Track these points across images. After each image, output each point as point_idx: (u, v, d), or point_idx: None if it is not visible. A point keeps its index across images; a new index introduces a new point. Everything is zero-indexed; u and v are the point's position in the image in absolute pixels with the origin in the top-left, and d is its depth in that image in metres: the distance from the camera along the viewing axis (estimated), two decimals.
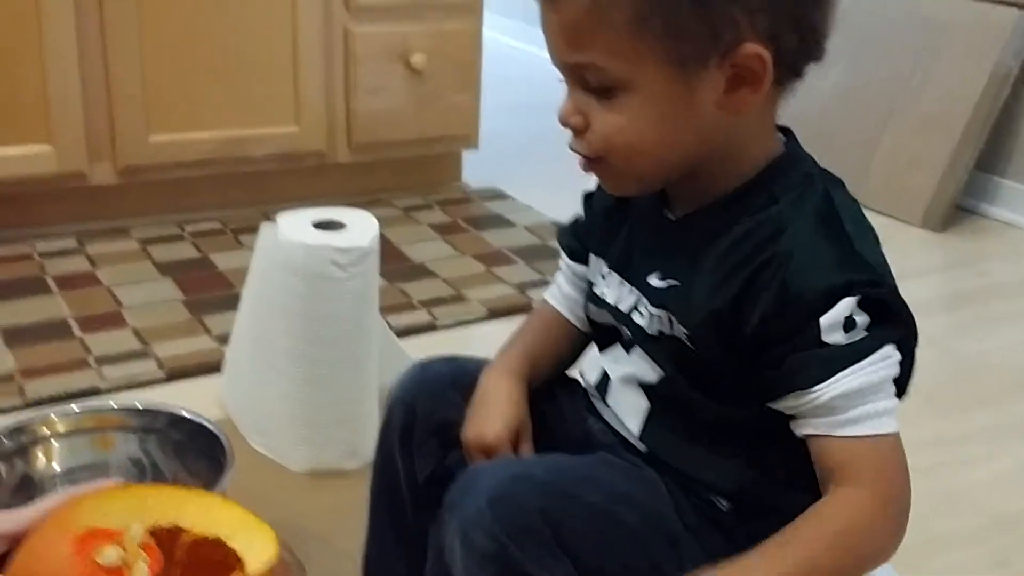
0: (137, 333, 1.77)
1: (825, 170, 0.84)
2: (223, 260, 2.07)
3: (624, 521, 0.80)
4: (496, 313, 1.90)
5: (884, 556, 0.76)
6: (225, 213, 2.27)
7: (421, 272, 2.06)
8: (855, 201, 0.83)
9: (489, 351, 1.53)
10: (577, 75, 0.78)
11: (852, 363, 0.75)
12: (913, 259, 2.33)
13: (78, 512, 0.86)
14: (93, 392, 1.59)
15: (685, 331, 0.81)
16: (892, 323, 0.77)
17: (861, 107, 2.68)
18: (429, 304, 1.92)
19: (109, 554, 0.79)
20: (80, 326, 1.78)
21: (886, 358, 0.76)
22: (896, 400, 0.78)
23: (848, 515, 0.75)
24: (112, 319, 1.81)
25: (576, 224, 0.96)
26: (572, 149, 0.81)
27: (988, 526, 1.42)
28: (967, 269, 2.30)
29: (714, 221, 0.81)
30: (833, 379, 0.75)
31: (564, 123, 0.80)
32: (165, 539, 0.89)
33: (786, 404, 0.78)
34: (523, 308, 1.91)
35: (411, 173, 2.46)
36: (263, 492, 1.29)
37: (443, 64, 2.32)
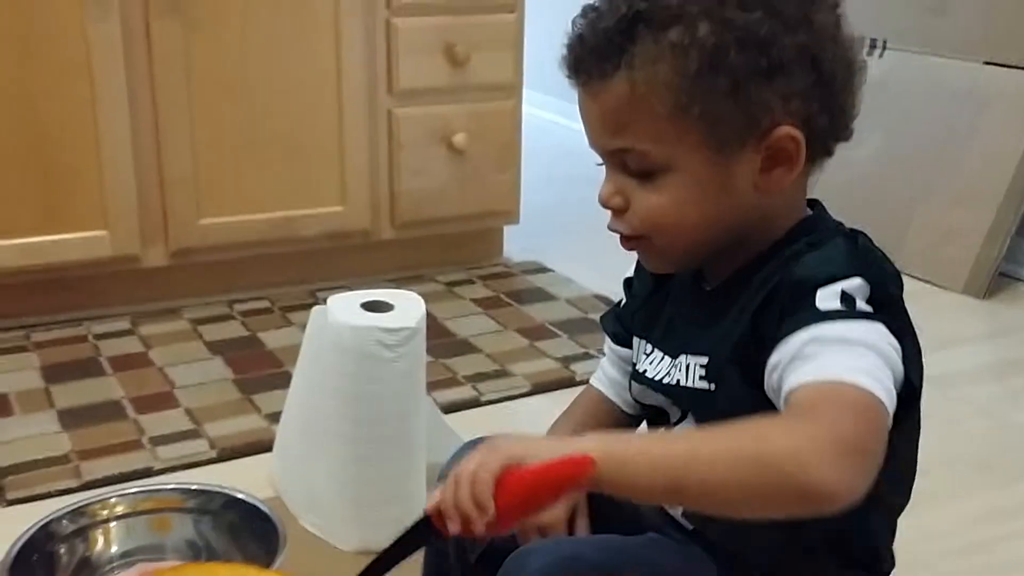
0: (189, 413, 1.81)
1: (853, 229, 0.86)
2: (272, 339, 2.11)
3: None
4: (540, 388, 1.92)
5: (813, 498, 0.66)
6: (273, 292, 2.33)
7: (465, 347, 2.09)
8: (883, 254, 0.84)
9: (534, 426, 1.55)
10: (617, 159, 0.81)
11: (838, 319, 0.74)
12: (957, 326, 2.32)
13: None
14: (147, 472, 1.62)
15: (715, 385, 0.82)
16: (894, 316, 0.76)
17: (897, 178, 2.69)
18: (473, 379, 1.94)
19: None
20: (134, 407, 1.83)
21: (878, 331, 0.73)
22: (886, 378, 0.72)
23: (776, 435, 0.68)
24: (165, 399, 1.85)
25: (618, 308, 0.98)
26: (612, 229, 0.84)
27: None
28: (1013, 336, 2.28)
29: (743, 281, 0.83)
30: (815, 325, 0.73)
31: (605, 205, 0.83)
32: None
33: (772, 372, 0.75)
34: (566, 382, 1.93)
35: (454, 249, 2.50)
36: (315, 572, 1.31)
37: (484, 143, 2.37)
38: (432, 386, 1.80)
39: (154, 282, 2.22)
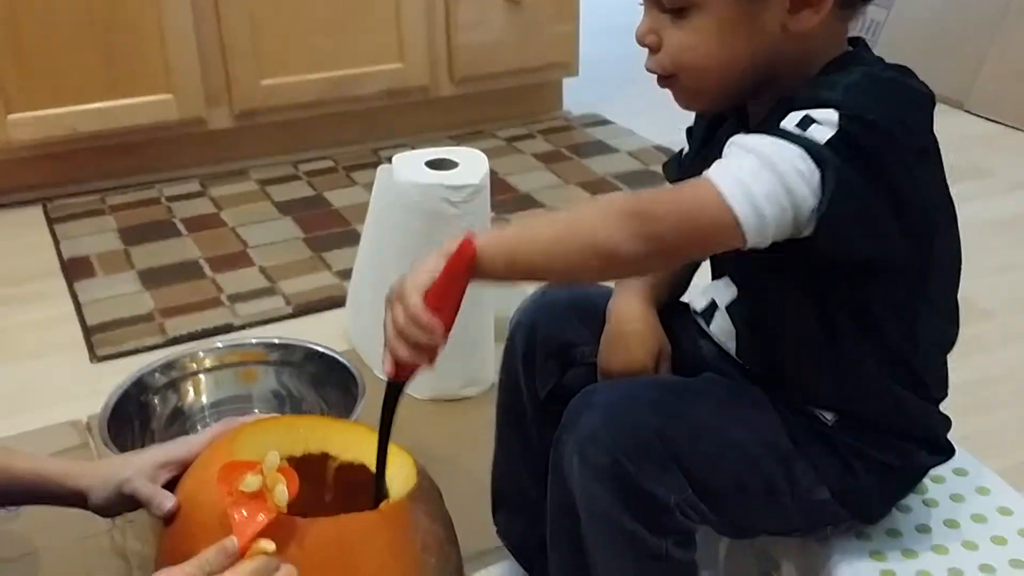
0: (263, 271, 1.87)
1: (895, 65, 0.84)
2: (337, 198, 2.16)
3: (736, 439, 0.85)
4: None
5: (603, 255, 0.77)
6: (336, 151, 2.36)
7: (527, 202, 2.11)
8: (919, 84, 0.83)
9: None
10: None
11: (768, 134, 0.76)
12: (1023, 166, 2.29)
13: (236, 442, 0.96)
14: (228, 328, 1.70)
15: None
16: (847, 162, 0.75)
17: (968, 14, 2.61)
18: None
19: (250, 482, 0.87)
20: (210, 266, 1.90)
21: (796, 157, 0.74)
22: (760, 189, 0.74)
23: (595, 213, 0.78)
24: (239, 259, 1.92)
25: (680, 155, 1.00)
26: (648, 68, 0.85)
27: None
28: None
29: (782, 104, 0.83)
30: (753, 135, 0.77)
31: (640, 42, 0.84)
32: (315, 464, 0.98)
33: None
34: None
35: (513, 103, 2.50)
36: None
37: None
38: None
39: (220, 144, 2.26)
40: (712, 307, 0.93)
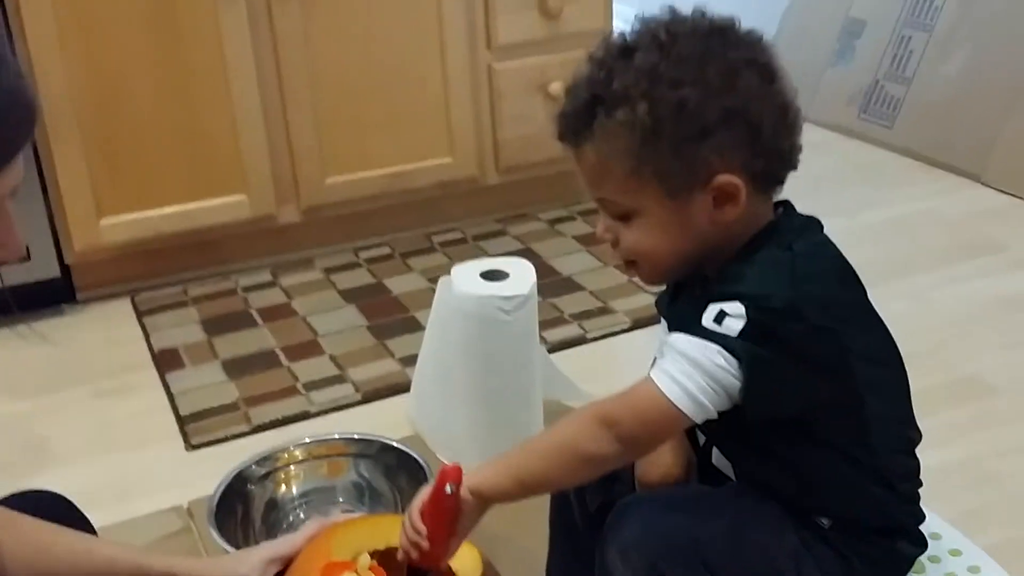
0: (333, 359, 2.07)
1: (807, 223, 1.03)
2: (396, 284, 2.36)
3: (756, 542, 1.03)
4: (640, 323, 2.13)
5: (593, 461, 0.98)
6: (393, 237, 2.56)
7: (569, 286, 2.29)
8: (826, 244, 1.02)
9: (636, 359, 1.78)
10: (601, 204, 1.02)
11: (689, 333, 0.95)
12: None
13: (331, 540, 1.15)
14: (305, 416, 1.89)
15: None
16: (759, 346, 0.93)
17: (985, 92, 2.76)
18: (578, 318, 2.16)
19: None
20: (286, 355, 2.10)
21: (716, 355, 0.93)
22: (694, 386, 0.93)
23: (574, 429, 0.98)
24: (311, 347, 2.12)
25: (663, 292, 1.17)
26: (612, 258, 1.07)
27: None
28: None
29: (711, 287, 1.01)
30: (678, 333, 0.96)
31: (600, 239, 1.04)
32: (395, 558, 1.16)
33: None
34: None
35: (553, 188, 2.68)
36: None
37: None
38: (542, 325, 2.02)
39: (288, 237, 2.48)
40: (708, 444, 1.11)
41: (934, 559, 1.21)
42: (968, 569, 1.22)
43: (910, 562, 1.09)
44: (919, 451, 1.10)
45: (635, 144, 0.95)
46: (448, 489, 1.01)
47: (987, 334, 2.05)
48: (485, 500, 1.01)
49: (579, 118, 0.98)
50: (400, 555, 1.06)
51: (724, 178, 0.96)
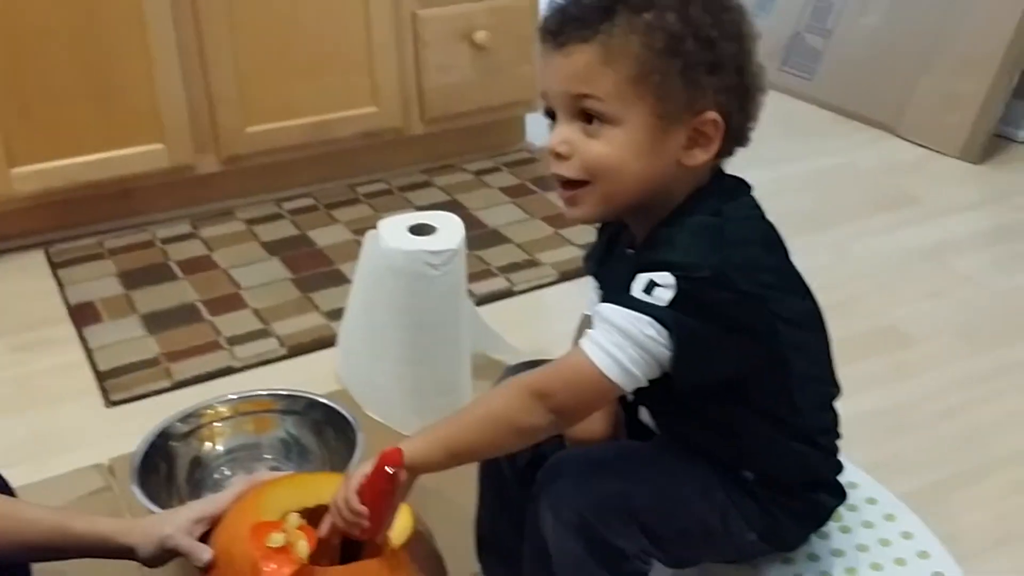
0: (257, 313, 2.04)
1: (737, 185, 1.04)
2: (320, 236, 2.32)
3: (683, 495, 1.04)
4: (567, 276, 2.14)
5: (526, 431, 0.99)
6: (316, 188, 2.53)
7: (496, 238, 2.29)
8: (753, 208, 1.03)
9: (563, 312, 1.79)
10: (575, 105, 0.97)
11: (620, 304, 0.95)
12: (951, 193, 2.48)
13: (259, 500, 1.14)
14: (228, 371, 1.87)
15: None
16: (689, 316, 0.93)
17: (900, 47, 2.81)
18: (506, 270, 2.16)
19: (276, 538, 1.08)
20: (208, 309, 2.06)
21: (647, 326, 0.93)
22: (625, 356, 0.94)
23: (506, 401, 0.99)
24: (233, 301, 2.08)
25: (592, 252, 1.16)
26: (555, 172, 1.00)
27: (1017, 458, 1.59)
28: (1005, 203, 2.43)
29: (640, 251, 1.02)
30: (608, 304, 0.96)
31: (552, 151, 0.99)
32: (324, 515, 1.16)
33: None
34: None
35: (479, 138, 2.67)
36: None
37: (504, 38, 2.51)
38: (469, 278, 2.00)
39: (208, 187, 2.42)
40: (635, 403, 1.12)
41: (851, 508, 1.25)
42: (884, 517, 1.26)
43: (830, 512, 1.13)
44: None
45: (651, 51, 0.94)
46: (390, 471, 1.00)
47: (903, 285, 2.11)
48: (416, 472, 1.01)
49: (594, 11, 0.95)
50: (327, 532, 1.06)
51: (712, 115, 0.96)
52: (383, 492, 1.01)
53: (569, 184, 0.99)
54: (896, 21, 2.84)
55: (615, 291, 0.99)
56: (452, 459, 1.01)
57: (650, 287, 0.95)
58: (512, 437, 1.00)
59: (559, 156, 0.98)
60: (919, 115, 2.73)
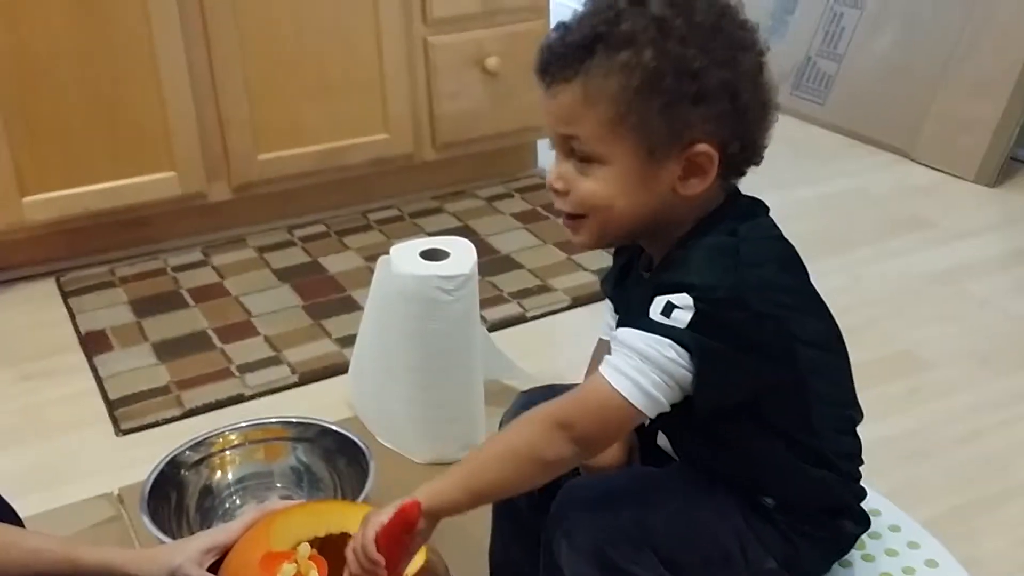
0: (268, 340, 2.03)
1: (753, 205, 1.03)
2: (332, 263, 2.32)
3: (699, 522, 1.02)
4: (579, 301, 2.12)
5: (551, 465, 0.96)
6: (328, 215, 2.52)
7: (508, 264, 2.28)
8: (771, 228, 1.02)
9: (576, 338, 1.76)
10: (566, 144, 0.98)
11: (639, 327, 0.94)
12: (966, 216, 2.46)
13: (269, 529, 1.13)
14: (239, 399, 1.85)
15: None
16: (709, 337, 0.92)
17: (912, 71, 2.80)
18: (518, 296, 2.14)
19: (287, 570, 1.07)
20: (218, 337, 2.05)
21: (667, 348, 0.92)
22: (647, 381, 0.93)
23: (519, 434, 0.97)
24: (245, 328, 2.07)
25: (608, 271, 1.16)
26: (557, 208, 1.01)
27: None
28: (1021, 226, 2.41)
29: (655, 274, 1.02)
30: (627, 328, 0.95)
31: (549, 187, 1.01)
32: (337, 543, 1.14)
33: None
34: (603, 295, 2.12)
35: (491, 164, 2.67)
36: (395, 482, 1.53)
37: (515, 64, 2.50)
38: (481, 304, 1.99)
39: (220, 215, 2.42)
40: (653, 427, 1.10)
41: (874, 535, 1.23)
42: (908, 545, 1.24)
43: (853, 540, 1.10)
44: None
45: (629, 90, 0.93)
46: (413, 524, 0.99)
47: (919, 309, 2.08)
48: (438, 516, 0.99)
49: (576, 51, 0.94)
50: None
51: (703, 147, 0.95)
52: (401, 543, 1.00)
53: (568, 216, 1.01)
54: (908, 45, 2.84)
55: (632, 315, 0.97)
56: (475, 499, 1.00)
57: (668, 309, 0.93)
58: (536, 471, 0.98)
59: (556, 191, 1.00)
60: (933, 139, 2.72)
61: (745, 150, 0.98)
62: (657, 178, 0.96)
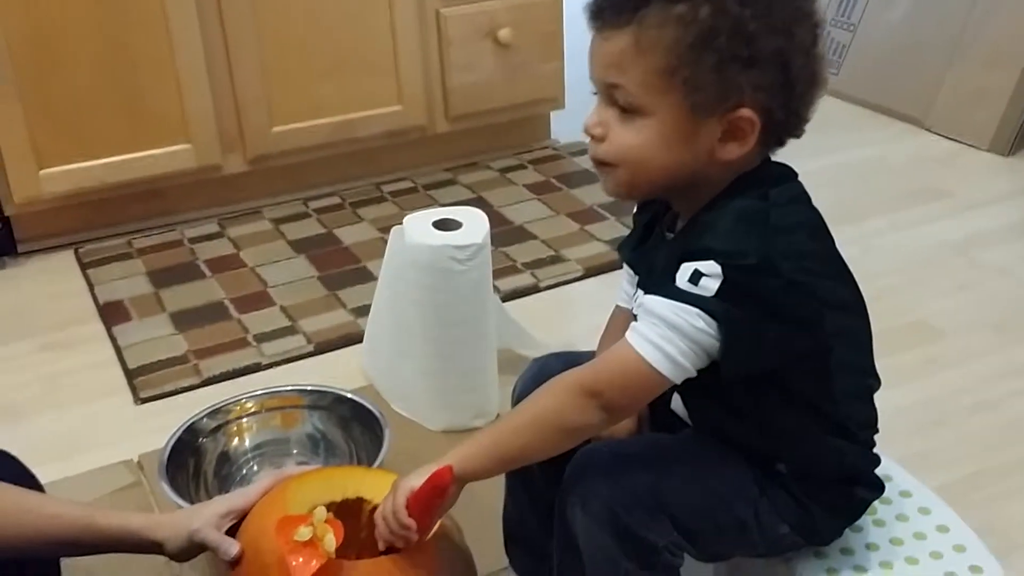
0: (284, 310, 2.05)
1: (783, 171, 1.02)
2: (346, 235, 2.33)
3: (712, 488, 1.03)
4: (592, 271, 2.13)
5: (577, 431, 0.98)
6: (342, 187, 2.53)
7: (521, 234, 2.28)
8: (801, 194, 1.02)
9: (589, 308, 1.76)
10: (609, 92, 0.97)
11: (666, 295, 0.94)
12: (981, 186, 2.45)
13: (286, 493, 1.14)
14: (256, 368, 1.87)
15: None
16: (737, 305, 0.92)
17: (926, 41, 2.78)
18: (531, 266, 2.15)
19: (303, 532, 1.07)
20: (235, 307, 2.07)
21: (695, 317, 0.92)
22: (674, 349, 0.93)
23: (556, 402, 0.97)
24: (261, 298, 2.09)
25: (628, 239, 1.15)
26: (591, 155, 1.00)
27: None
28: None
29: (681, 236, 1.01)
30: (652, 296, 0.95)
31: (587, 131, 1.00)
32: (352, 508, 1.16)
33: None
34: (616, 264, 2.11)
35: (504, 136, 2.67)
36: (409, 449, 1.55)
37: (528, 36, 2.50)
38: (495, 275, 2.00)
39: (235, 187, 2.43)
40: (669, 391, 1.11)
41: (885, 501, 1.23)
42: (919, 510, 1.24)
43: (866, 505, 1.11)
44: None
45: (683, 43, 0.92)
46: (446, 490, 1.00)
47: (934, 279, 2.08)
48: (466, 480, 1.01)
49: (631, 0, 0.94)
50: (381, 545, 1.05)
51: (747, 112, 0.94)
52: (432, 508, 1.01)
53: (600, 162, 1.00)
54: (922, 15, 2.81)
55: (655, 278, 0.97)
56: (503, 465, 1.02)
57: (696, 277, 0.93)
58: (563, 438, 0.99)
59: (593, 137, 0.99)
60: (947, 109, 2.71)
61: (788, 121, 0.97)
62: (696, 137, 0.96)
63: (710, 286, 0.92)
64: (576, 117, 2.83)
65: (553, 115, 2.74)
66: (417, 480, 1.00)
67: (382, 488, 1.17)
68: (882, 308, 1.93)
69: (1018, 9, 2.59)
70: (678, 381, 0.96)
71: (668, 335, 0.93)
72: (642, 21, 0.93)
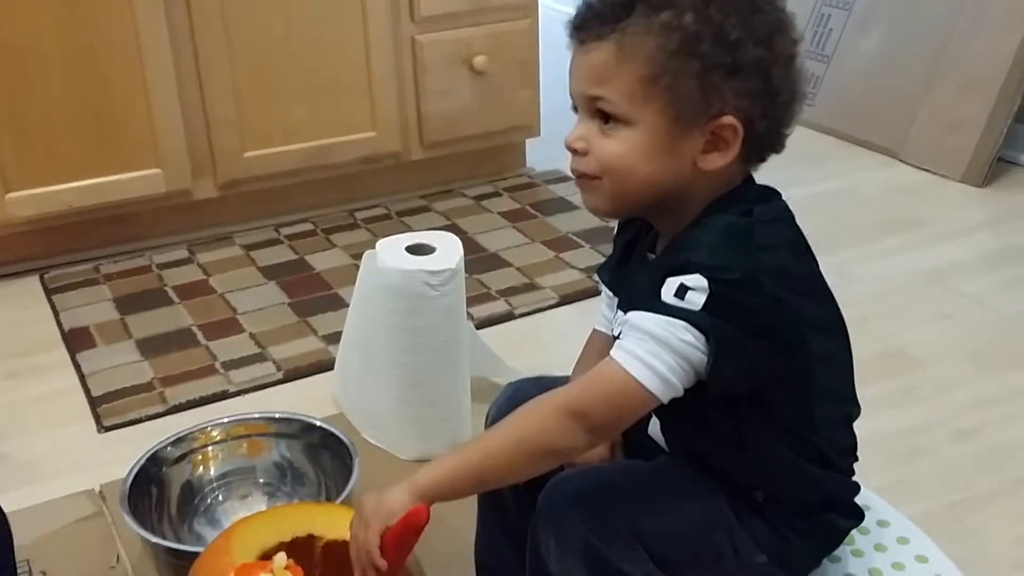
0: (253, 337, 2.01)
1: (767, 190, 1.01)
2: (318, 261, 2.30)
3: (689, 516, 1.01)
4: (567, 299, 2.11)
5: (559, 453, 0.96)
6: (315, 214, 2.50)
7: (496, 262, 2.26)
8: (785, 212, 1.00)
9: (563, 336, 1.74)
10: (592, 105, 0.97)
11: (652, 310, 0.92)
12: (955, 217, 2.46)
13: (230, 541, 1.10)
14: (223, 395, 1.83)
15: None
16: (724, 319, 0.90)
17: (900, 72, 2.79)
18: (505, 294, 2.13)
19: None
20: (203, 334, 2.03)
21: (683, 331, 0.90)
22: (663, 365, 0.91)
23: (538, 424, 0.94)
24: (230, 325, 2.05)
25: (608, 262, 1.14)
26: (572, 168, 1.00)
27: None
28: (1009, 225, 2.41)
29: (664, 255, 1.00)
30: (638, 312, 0.93)
31: (569, 146, 0.99)
32: (303, 545, 1.12)
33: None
34: (591, 292, 2.11)
35: (479, 163, 2.65)
36: (380, 478, 1.50)
37: (504, 63, 2.50)
38: (469, 301, 1.98)
39: (206, 212, 2.40)
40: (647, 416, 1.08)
41: (863, 530, 1.22)
42: (897, 540, 1.23)
43: (844, 534, 1.09)
44: None
45: (666, 51, 0.92)
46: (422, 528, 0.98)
47: (910, 309, 2.07)
48: (439, 500, 0.98)
49: (614, 8, 0.94)
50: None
51: (730, 120, 0.94)
52: (406, 547, 0.99)
53: (583, 176, 0.99)
54: (896, 46, 2.83)
55: (638, 297, 0.95)
56: (479, 487, 0.99)
57: (682, 291, 0.91)
58: (544, 461, 0.96)
59: (575, 152, 0.99)
60: (921, 140, 2.72)
61: (770, 132, 0.97)
62: (679, 147, 0.95)
63: (696, 300, 0.91)
64: (551, 145, 2.83)
65: (528, 143, 2.73)
66: (388, 518, 0.97)
67: (334, 523, 1.13)
68: (858, 337, 1.90)
69: (991, 42, 2.61)
70: (665, 400, 0.93)
71: (656, 351, 0.91)
72: (625, 30, 0.93)
